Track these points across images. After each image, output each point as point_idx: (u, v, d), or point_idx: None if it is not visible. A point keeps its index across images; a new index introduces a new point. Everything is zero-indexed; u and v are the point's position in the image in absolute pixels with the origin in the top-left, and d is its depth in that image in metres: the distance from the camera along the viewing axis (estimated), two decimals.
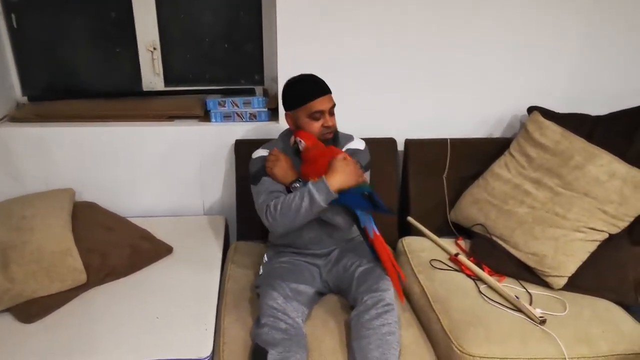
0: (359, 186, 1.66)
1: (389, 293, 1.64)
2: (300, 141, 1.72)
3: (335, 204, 1.65)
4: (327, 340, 1.61)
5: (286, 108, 1.78)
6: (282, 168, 1.73)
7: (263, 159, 1.79)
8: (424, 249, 2.02)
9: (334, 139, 1.81)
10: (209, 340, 1.57)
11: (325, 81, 1.75)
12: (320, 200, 1.59)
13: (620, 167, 1.86)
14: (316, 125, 1.73)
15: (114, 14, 2.21)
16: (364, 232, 1.72)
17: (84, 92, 2.32)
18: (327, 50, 2.09)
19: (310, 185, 1.61)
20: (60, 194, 2.02)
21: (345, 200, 1.64)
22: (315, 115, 1.71)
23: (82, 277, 1.74)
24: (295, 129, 1.77)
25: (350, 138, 1.87)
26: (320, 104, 1.70)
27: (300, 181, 1.70)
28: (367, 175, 1.83)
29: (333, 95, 1.75)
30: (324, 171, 1.64)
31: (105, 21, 2.22)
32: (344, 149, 1.82)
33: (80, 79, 2.32)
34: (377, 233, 1.71)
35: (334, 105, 1.75)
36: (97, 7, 2.19)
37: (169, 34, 2.27)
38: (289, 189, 1.73)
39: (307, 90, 1.72)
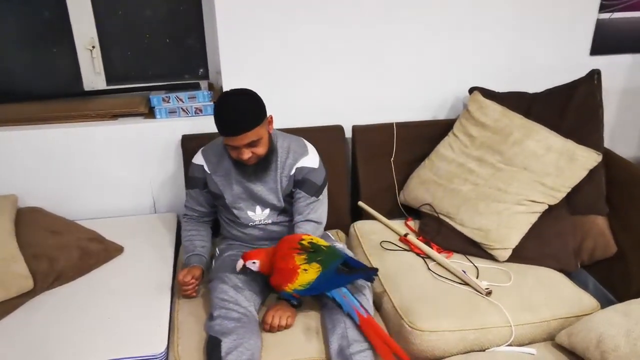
0: (330, 261, 1.57)
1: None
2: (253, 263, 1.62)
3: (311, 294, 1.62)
4: None
5: None
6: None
7: (195, 168, 1.82)
8: (374, 232, 2.05)
9: (268, 159, 1.73)
10: (163, 336, 1.57)
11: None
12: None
13: (556, 140, 1.93)
14: (233, 154, 1.70)
15: (47, 12, 2.14)
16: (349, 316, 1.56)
17: (21, 95, 2.25)
18: (270, 41, 2.09)
19: (186, 258, 1.80)
20: (1, 201, 1.96)
21: (318, 291, 1.57)
22: (229, 147, 1.68)
23: (29, 284, 1.69)
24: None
25: (302, 152, 1.78)
26: (231, 141, 1.63)
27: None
28: (323, 196, 1.80)
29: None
30: (288, 277, 1.56)
31: (38, 21, 2.15)
32: (295, 167, 1.75)
33: (17, 81, 2.24)
34: (365, 316, 1.52)
35: (253, 140, 1.62)
36: (29, 6, 2.12)
37: (108, 31, 2.21)
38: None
39: (220, 126, 1.64)
